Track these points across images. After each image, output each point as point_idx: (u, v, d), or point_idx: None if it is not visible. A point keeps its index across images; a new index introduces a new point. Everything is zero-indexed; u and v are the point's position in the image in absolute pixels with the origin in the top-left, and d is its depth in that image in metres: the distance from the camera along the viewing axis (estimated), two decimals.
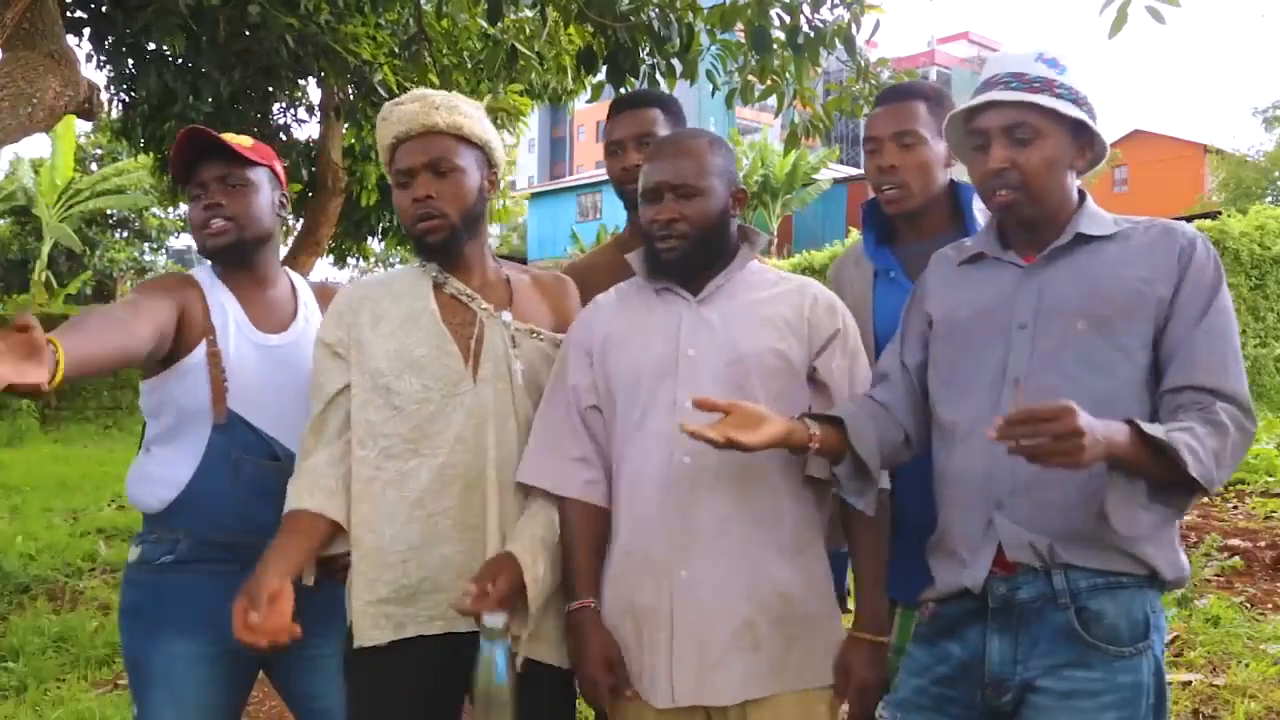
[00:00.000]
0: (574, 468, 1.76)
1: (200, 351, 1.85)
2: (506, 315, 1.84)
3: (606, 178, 2.35)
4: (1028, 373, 1.51)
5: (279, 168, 2.03)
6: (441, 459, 1.73)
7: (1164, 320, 1.50)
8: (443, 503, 1.73)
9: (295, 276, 2.10)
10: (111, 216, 24.00)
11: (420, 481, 1.73)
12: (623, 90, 4.28)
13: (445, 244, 1.80)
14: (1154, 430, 1.34)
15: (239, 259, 1.93)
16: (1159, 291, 1.50)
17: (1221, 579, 4.74)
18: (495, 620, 1.59)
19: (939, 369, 1.66)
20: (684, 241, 1.73)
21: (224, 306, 1.91)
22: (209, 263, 1.98)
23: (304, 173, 6.89)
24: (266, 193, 1.96)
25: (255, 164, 1.93)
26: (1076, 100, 1.52)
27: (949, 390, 1.63)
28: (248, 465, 1.86)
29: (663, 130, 2.16)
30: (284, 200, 2.02)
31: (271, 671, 2.00)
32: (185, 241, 24.66)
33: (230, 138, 1.93)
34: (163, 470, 1.87)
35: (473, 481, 1.74)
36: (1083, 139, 1.55)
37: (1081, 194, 1.60)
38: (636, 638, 1.70)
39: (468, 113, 1.83)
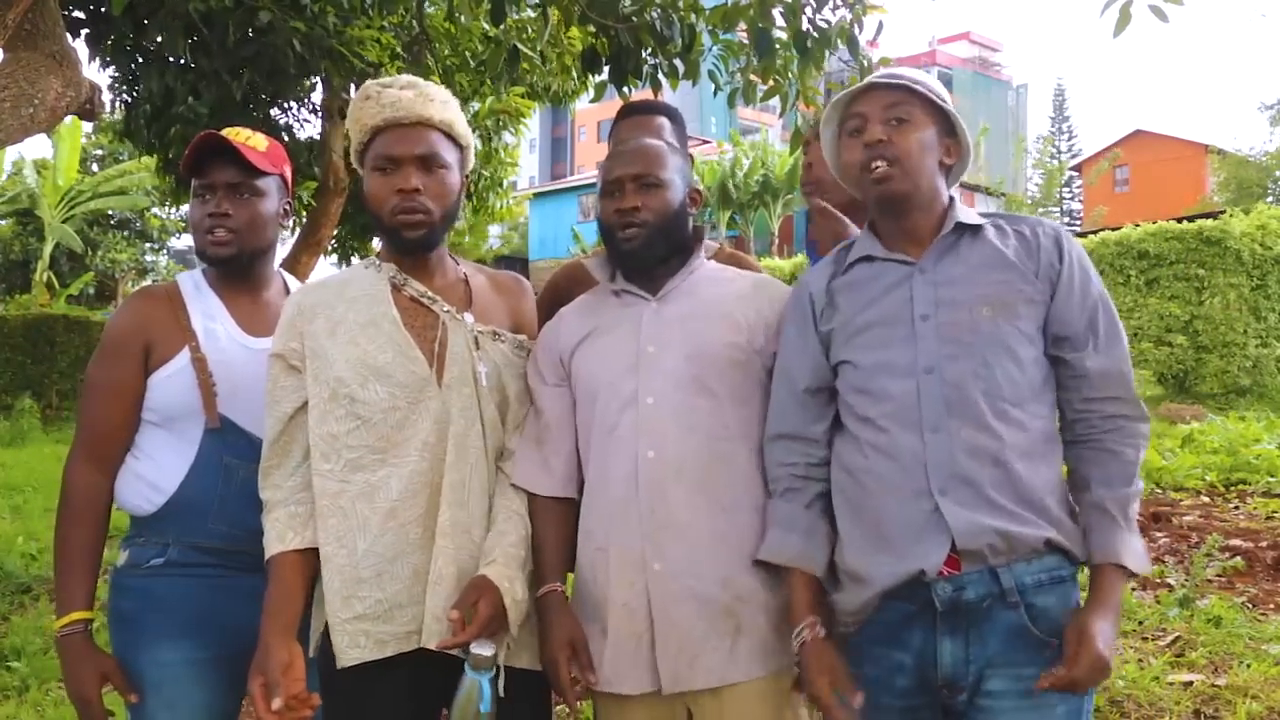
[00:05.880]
0: (544, 469, 1.79)
1: (183, 358, 1.81)
2: (469, 317, 1.80)
3: None
4: (939, 361, 1.55)
5: (289, 173, 1.99)
6: (410, 466, 1.69)
7: (1050, 307, 1.58)
8: (414, 511, 1.69)
9: (289, 278, 2.06)
10: (113, 217, 24.03)
11: (391, 492, 1.68)
12: (625, 90, 4.29)
13: (424, 240, 1.75)
14: (1137, 566, 1.51)
15: (237, 269, 1.90)
16: (1044, 278, 1.58)
17: (1223, 579, 4.74)
18: (485, 649, 1.58)
19: (848, 374, 1.65)
20: (644, 230, 1.76)
21: (208, 311, 1.87)
22: (200, 267, 1.95)
23: (315, 170, 6.88)
24: (274, 202, 1.91)
25: (267, 173, 1.88)
26: (944, 103, 1.66)
27: (863, 392, 1.62)
28: (239, 470, 1.81)
29: (670, 139, 2.18)
30: (288, 208, 1.98)
31: None
32: (187, 242, 24.66)
33: (247, 139, 1.89)
34: (151, 473, 1.83)
35: (438, 487, 1.71)
36: (949, 138, 1.67)
37: (951, 197, 1.69)
38: (606, 633, 1.71)
39: (457, 111, 1.80)
